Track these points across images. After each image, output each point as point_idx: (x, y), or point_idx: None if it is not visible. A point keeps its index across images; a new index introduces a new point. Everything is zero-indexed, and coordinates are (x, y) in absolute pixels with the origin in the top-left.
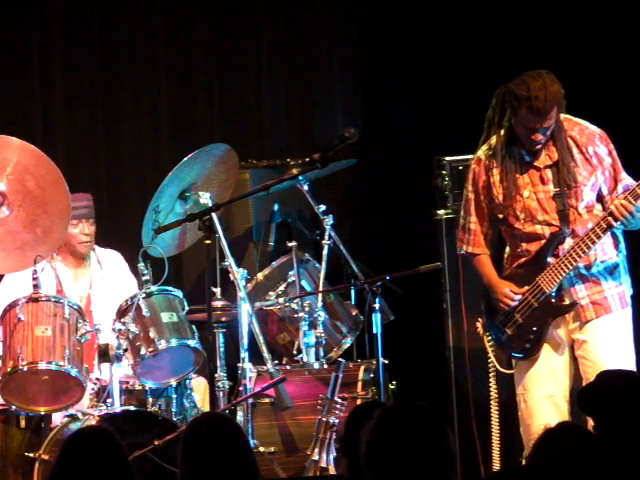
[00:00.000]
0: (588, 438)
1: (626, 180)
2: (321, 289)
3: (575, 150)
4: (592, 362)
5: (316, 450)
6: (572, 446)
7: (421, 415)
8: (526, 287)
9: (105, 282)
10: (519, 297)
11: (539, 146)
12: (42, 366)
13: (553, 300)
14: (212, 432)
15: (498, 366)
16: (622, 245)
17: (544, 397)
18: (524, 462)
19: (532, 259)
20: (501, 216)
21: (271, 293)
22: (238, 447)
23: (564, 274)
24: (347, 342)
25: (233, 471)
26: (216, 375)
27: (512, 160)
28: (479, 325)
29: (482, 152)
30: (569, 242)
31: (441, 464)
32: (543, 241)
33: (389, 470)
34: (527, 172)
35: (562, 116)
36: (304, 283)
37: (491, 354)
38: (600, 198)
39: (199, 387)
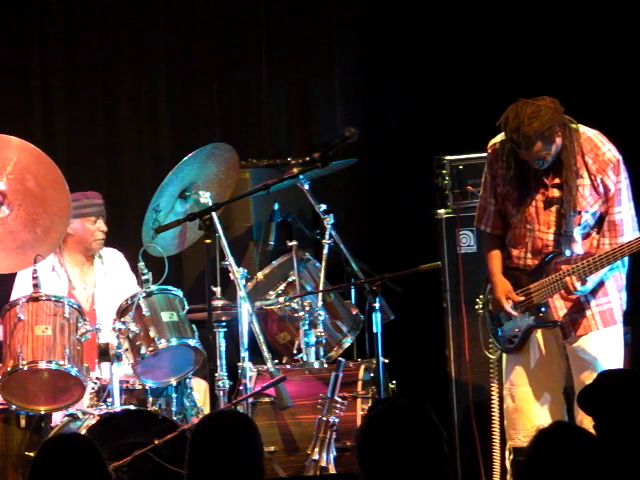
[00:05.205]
0: (584, 437)
1: (615, 215)
2: (321, 288)
3: (585, 174)
4: (575, 380)
5: (316, 449)
6: (568, 445)
7: (411, 413)
8: (523, 288)
9: (108, 281)
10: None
11: (544, 167)
12: (42, 365)
13: (540, 314)
14: (221, 430)
15: (483, 347)
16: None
17: (532, 393)
18: (509, 454)
19: (532, 270)
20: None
21: (271, 292)
22: (248, 446)
23: (555, 292)
24: (347, 341)
25: (239, 470)
26: (216, 374)
27: (522, 164)
28: (479, 301)
29: (498, 141)
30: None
31: (434, 460)
32: (524, 250)
33: (381, 467)
34: (534, 180)
35: (587, 134)
36: (304, 282)
37: (480, 330)
38: (599, 223)
39: (199, 388)
